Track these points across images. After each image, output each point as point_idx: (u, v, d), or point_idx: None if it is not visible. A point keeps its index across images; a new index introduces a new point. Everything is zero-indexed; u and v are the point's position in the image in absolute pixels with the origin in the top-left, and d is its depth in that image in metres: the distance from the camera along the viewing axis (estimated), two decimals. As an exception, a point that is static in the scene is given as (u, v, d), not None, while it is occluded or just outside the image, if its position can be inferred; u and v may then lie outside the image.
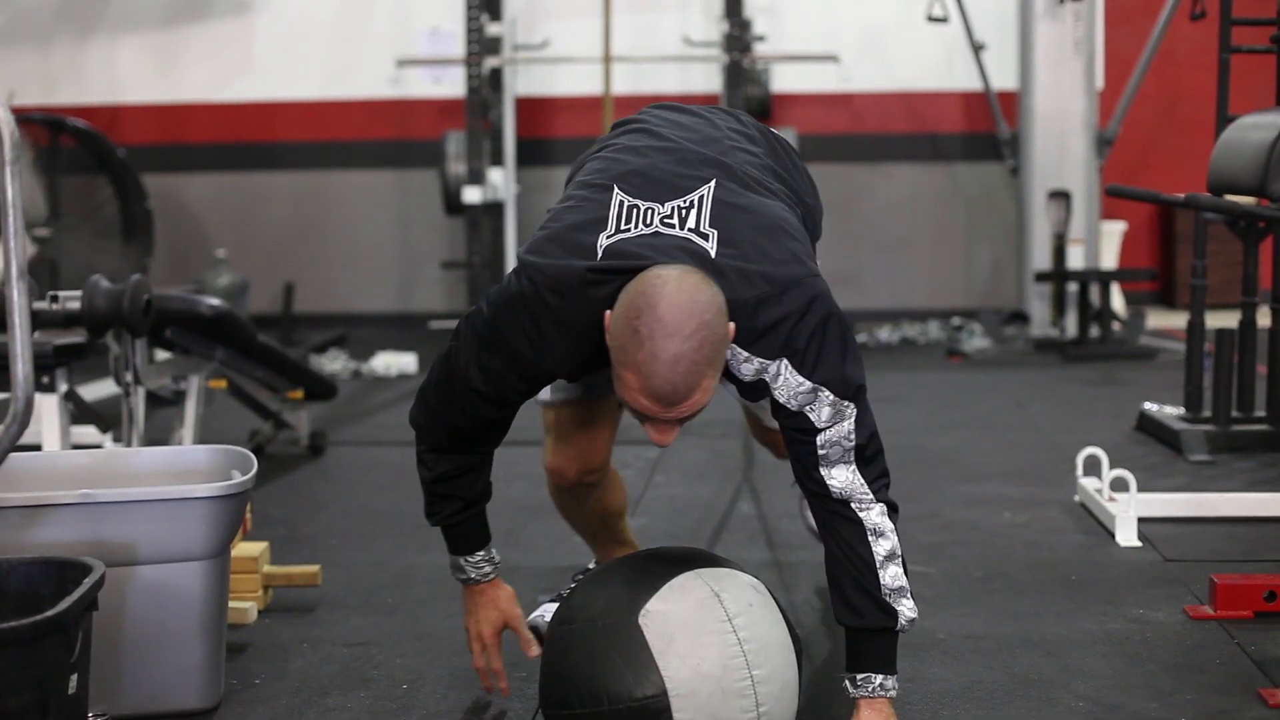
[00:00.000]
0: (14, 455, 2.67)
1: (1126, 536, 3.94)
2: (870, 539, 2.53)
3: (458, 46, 8.62)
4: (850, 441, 2.53)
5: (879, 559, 2.52)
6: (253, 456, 2.87)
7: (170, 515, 2.62)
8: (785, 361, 2.49)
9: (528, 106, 9.05)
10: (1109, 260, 8.65)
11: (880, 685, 2.55)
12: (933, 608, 3.42)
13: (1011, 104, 8.51)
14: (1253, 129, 4.46)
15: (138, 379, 4.25)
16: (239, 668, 3.07)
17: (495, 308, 2.59)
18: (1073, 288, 7.91)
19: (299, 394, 5.26)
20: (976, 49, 8.34)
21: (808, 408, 2.51)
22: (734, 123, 2.88)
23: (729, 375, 2.55)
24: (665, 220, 2.52)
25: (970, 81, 8.81)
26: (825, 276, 2.59)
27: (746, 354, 2.50)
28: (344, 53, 9.23)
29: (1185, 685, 2.90)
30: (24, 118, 7.93)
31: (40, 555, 2.46)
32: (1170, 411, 5.28)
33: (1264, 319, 5.18)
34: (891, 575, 2.53)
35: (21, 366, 2.47)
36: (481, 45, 8.04)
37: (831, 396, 2.50)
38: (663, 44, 8.93)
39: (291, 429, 5.39)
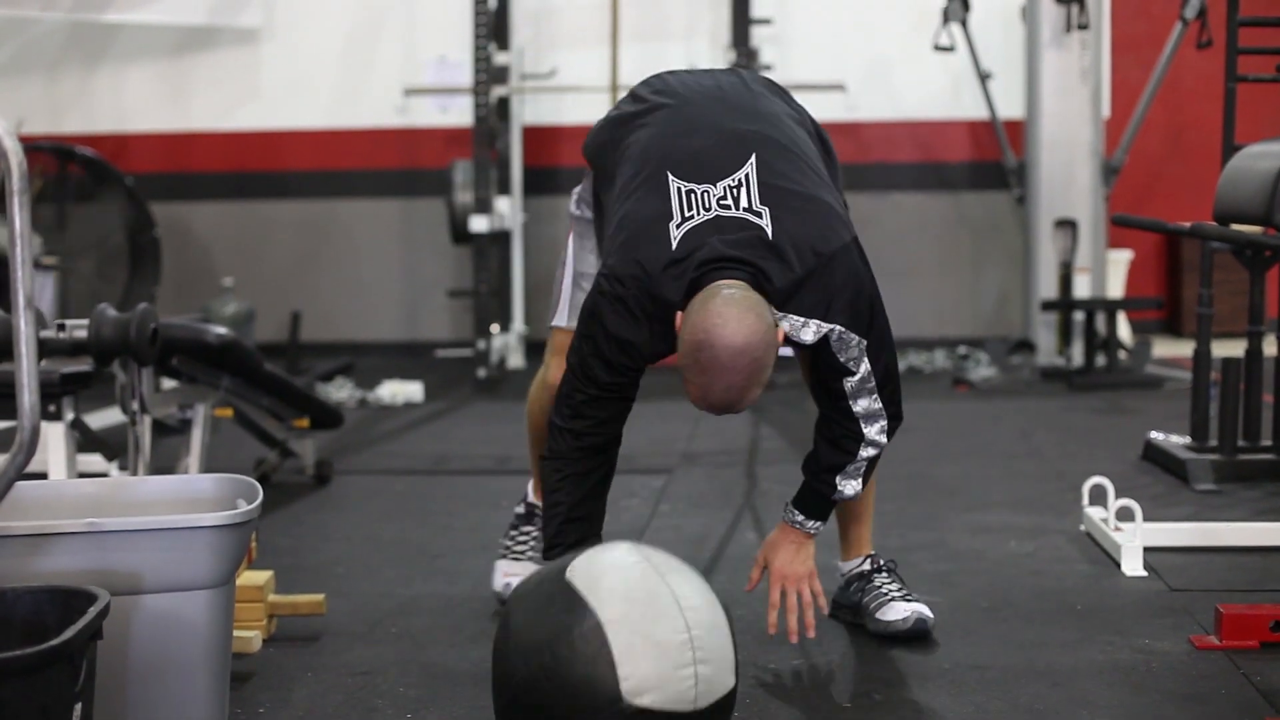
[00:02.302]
0: (20, 484, 2.67)
1: (1132, 566, 3.93)
2: (862, 447, 3.10)
3: (465, 75, 8.64)
4: (872, 381, 3.02)
5: (856, 457, 3.10)
6: (258, 485, 2.87)
7: (175, 544, 2.62)
8: (840, 327, 2.96)
9: (535, 135, 9.08)
10: (1115, 289, 8.66)
11: (803, 523, 3.19)
12: (938, 637, 3.41)
13: (1018, 133, 8.53)
14: (1259, 158, 4.46)
15: (144, 407, 4.26)
16: (243, 697, 3.07)
17: (596, 313, 2.99)
18: (1079, 316, 7.91)
19: (305, 422, 5.27)
20: (983, 78, 8.36)
21: (851, 361, 2.99)
22: (777, 99, 3.25)
23: (790, 342, 2.98)
24: (721, 201, 2.93)
25: (977, 110, 8.83)
26: None
27: (804, 320, 2.94)
28: (351, 82, 9.26)
29: (1191, 716, 2.89)
30: (32, 146, 7.96)
31: (45, 584, 2.46)
32: (1176, 441, 5.28)
33: (1270, 348, 5.18)
34: (855, 467, 3.12)
35: (28, 395, 2.47)
36: (489, 74, 8.05)
37: (862, 344, 2.99)
38: (669, 73, 8.94)
39: (297, 457, 5.39)
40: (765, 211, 2.92)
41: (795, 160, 3.04)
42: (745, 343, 2.76)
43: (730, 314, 2.78)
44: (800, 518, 3.20)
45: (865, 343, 2.99)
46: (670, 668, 2.46)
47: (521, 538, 3.69)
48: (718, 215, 2.91)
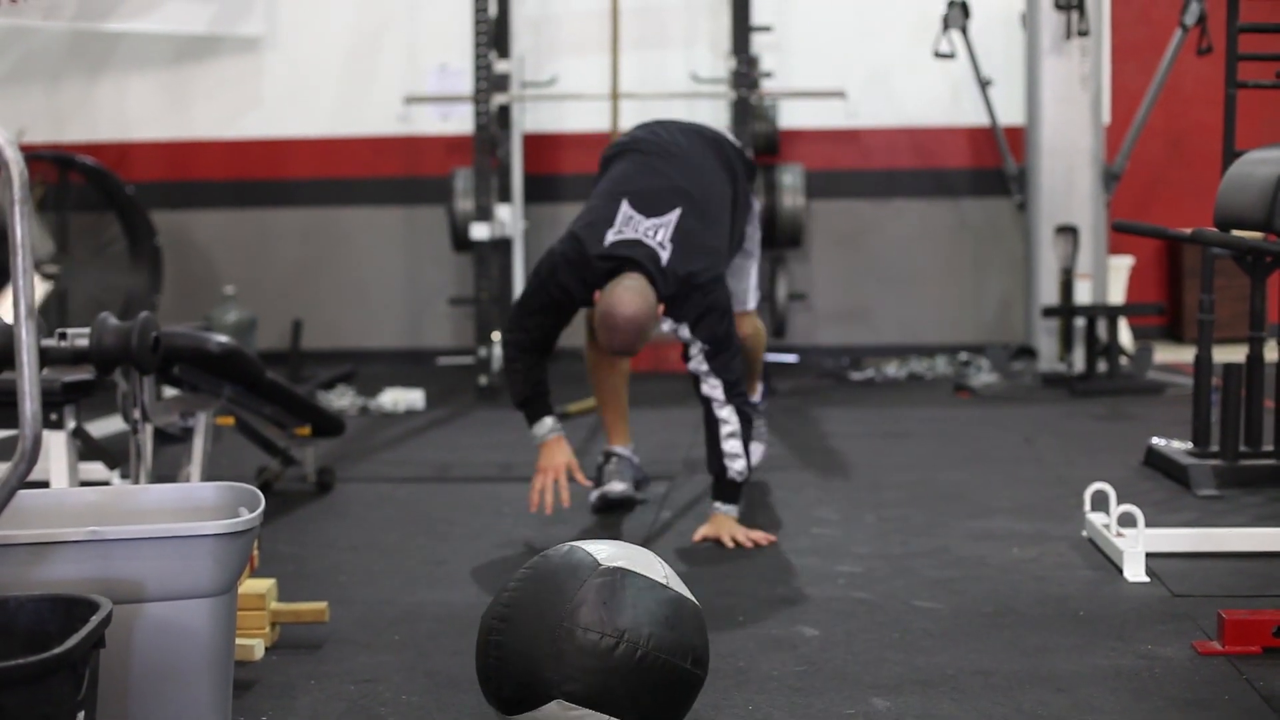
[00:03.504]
0: (22, 492, 2.67)
1: (1134, 572, 3.93)
2: (720, 425, 4.45)
3: (466, 83, 8.65)
4: (706, 367, 4.44)
5: (722, 437, 4.45)
6: (260, 493, 2.87)
7: (178, 552, 2.62)
8: (685, 325, 4.45)
9: (536, 143, 9.08)
10: (1116, 295, 8.65)
11: (722, 508, 4.51)
12: (941, 644, 3.41)
13: (1018, 139, 8.53)
14: (1259, 164, 4.47)
15: (146, 416, 4.26)
16: (246, 705, 3.07)
17: (552, 259, 4.54)
18: (1080, 323, 7.90)
19: (307, 430, 5.27)
20: (983, 85, 8.36)
21: (691, 347, 4.46)
22: (713, 155, 4.78)
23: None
24: (646, 231, 4.45)
25: (977, 117, 8.83)
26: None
27: (667, 319, 4.46)
28: (352, 90, 9.26)
29: (1194, 721, 2.89)
30: (33, 155, 7.97)
31: (48, 593, 2.46)
32: (1178, 446, 5.28)
33: (1271, 353, 5.17)
34: (731, 446, 4.45)
35: (30, 404, 2.47)
36: (490, 82, 8.05)
37: (704, 346, 4.44)
38: (670, 80, 8.97)
39: (299, 465, 5.39)
40: (670, 248, 4.42)
41: (706, 220, 4.55)
42: (634, 314, 4.30)
43: (626, 296, 4.32)
44: (718, 504, 4.52)
45: (700, 344, 4.44)
46: (635, 552, 2.88)
47: (610, 466, 5.07)
48: (639, 239, 4.44)
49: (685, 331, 4.44)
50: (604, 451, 5.09)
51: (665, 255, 4.41)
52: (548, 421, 4.64)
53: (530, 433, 4.66)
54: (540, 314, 4.56)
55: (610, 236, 4.44)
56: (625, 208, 4.48)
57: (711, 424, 4.45)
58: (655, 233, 4.44)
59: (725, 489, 4.49)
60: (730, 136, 4.98)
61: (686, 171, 4.63)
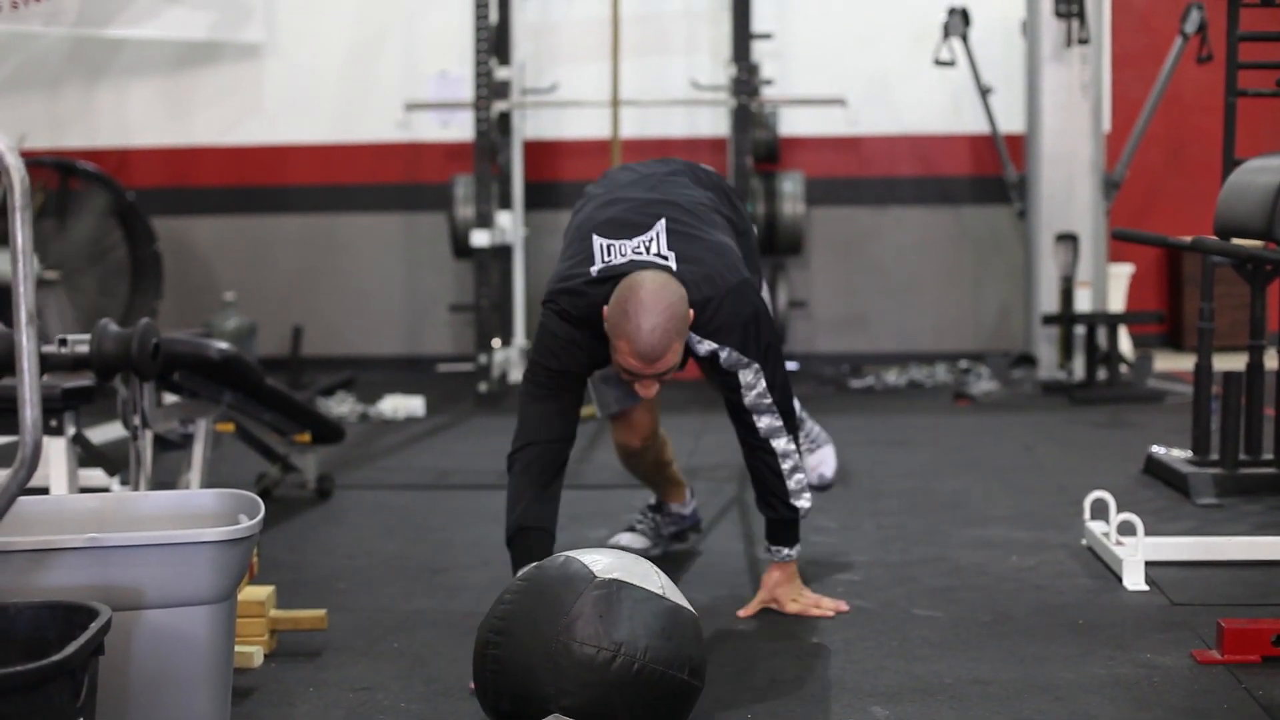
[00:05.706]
0: (21, 498, 2.67)
1: (1134, 580, 3.93)
2: (781, 462, 3.64)
3: (466, 90, 8.65)
4: (769, 398, 3.59)
5: (786, 473, 3.65)
6: (260, 500, 2.87)
7: (177, 559, 2.62)
8: (730, 347, 3.52)
9: (536, 150, 9.09)
10: (1116, 303, 8.65)
11: (785, 554, 3.73)
12: (939, 652, 3.41)
13: (1019, 147, 8.53)
14: (1259, 172, 4.47)
15: (145, 422, 4.26)
16: (245, 712, 3.07)
17: (541, 329, 3.58)
18: (1080, 330, 7.91)
19: (306, 437, 5.27)
20: (984, 92, 8.36)
21: (744, 373, 3.55)
22: (682, 172, 3.86)
23: (690, 351, 3.52)
24: (635, 251, 3.48)
25: (977, 125, 8.83)
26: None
27: (700, 338, 3.50)
28: (352, 97, 9.27)
29: (1193, 730, 2.89)
30: (34, 161, 7.96)
31: (47, 599, 2.46)
32: (1178, 455, 5.28)
33: (1271, 362, 5.17)
34: (795, 482, 3.66)
35: (30, 410, 2.47)
36: (490, 89, 8.06)
37: (756, 366, 3.55)
38: (671, 88, 8.97)
39: (299, 472, 5.39)
40: (672, 255, 3.48)
41: (697, 219, 3.62)
42: (663, 289, 3.34)
43: (648, 274, 3.38)
44: (782, 550, 3.75)
45: (758, 365, 3.56)
46: (631, 563, 2.88)
47: (644, 520, 4.49)
48: (633, 259, 3.47)
49: (730, 353, 3.52)
50: (655, 501, 4.50)
51: (674, 263, 3.47)
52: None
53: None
54: (545, 399, 3.55)
55: (596, 268, 3.49)
56: (597, 241, 3.52)
57: (772, 461, 3.66)
58: (648, 247, 3.49)
59: (787, 530, 3.73)
60: (707, 167, 4.03)
61: (656, 187, 3.73)
